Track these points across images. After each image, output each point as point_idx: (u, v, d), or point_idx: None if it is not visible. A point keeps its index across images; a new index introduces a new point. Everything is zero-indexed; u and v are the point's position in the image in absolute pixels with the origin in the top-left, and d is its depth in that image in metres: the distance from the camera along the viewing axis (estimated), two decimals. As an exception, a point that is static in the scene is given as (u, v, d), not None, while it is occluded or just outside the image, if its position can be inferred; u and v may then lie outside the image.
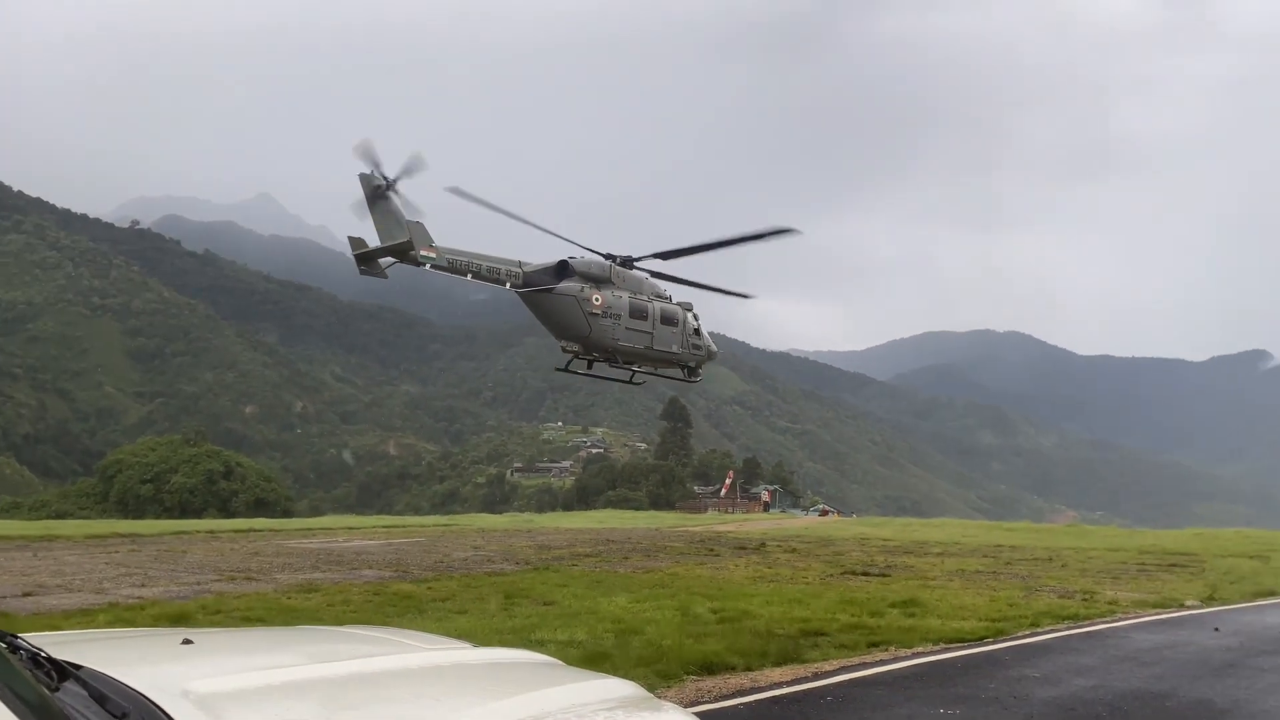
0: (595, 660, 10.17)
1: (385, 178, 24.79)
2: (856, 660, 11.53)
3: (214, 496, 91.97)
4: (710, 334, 31.21)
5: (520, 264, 27.02)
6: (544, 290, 27.22)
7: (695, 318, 30.25)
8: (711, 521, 58.60)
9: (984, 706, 9.22)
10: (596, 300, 27.67)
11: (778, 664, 11.06)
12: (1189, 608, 17.28)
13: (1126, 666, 11.27)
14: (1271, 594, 20.19)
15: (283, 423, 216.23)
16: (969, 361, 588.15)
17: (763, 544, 32.56)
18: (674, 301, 29.88)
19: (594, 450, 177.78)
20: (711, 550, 29.41)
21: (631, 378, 30.47)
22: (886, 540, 36.25)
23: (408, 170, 24.86)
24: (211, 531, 35.06)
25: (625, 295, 28.35)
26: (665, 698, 9.44)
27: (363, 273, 25.82)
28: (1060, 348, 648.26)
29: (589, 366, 29.71)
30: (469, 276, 26.14)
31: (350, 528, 39.94)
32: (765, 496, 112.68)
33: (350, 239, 25.59)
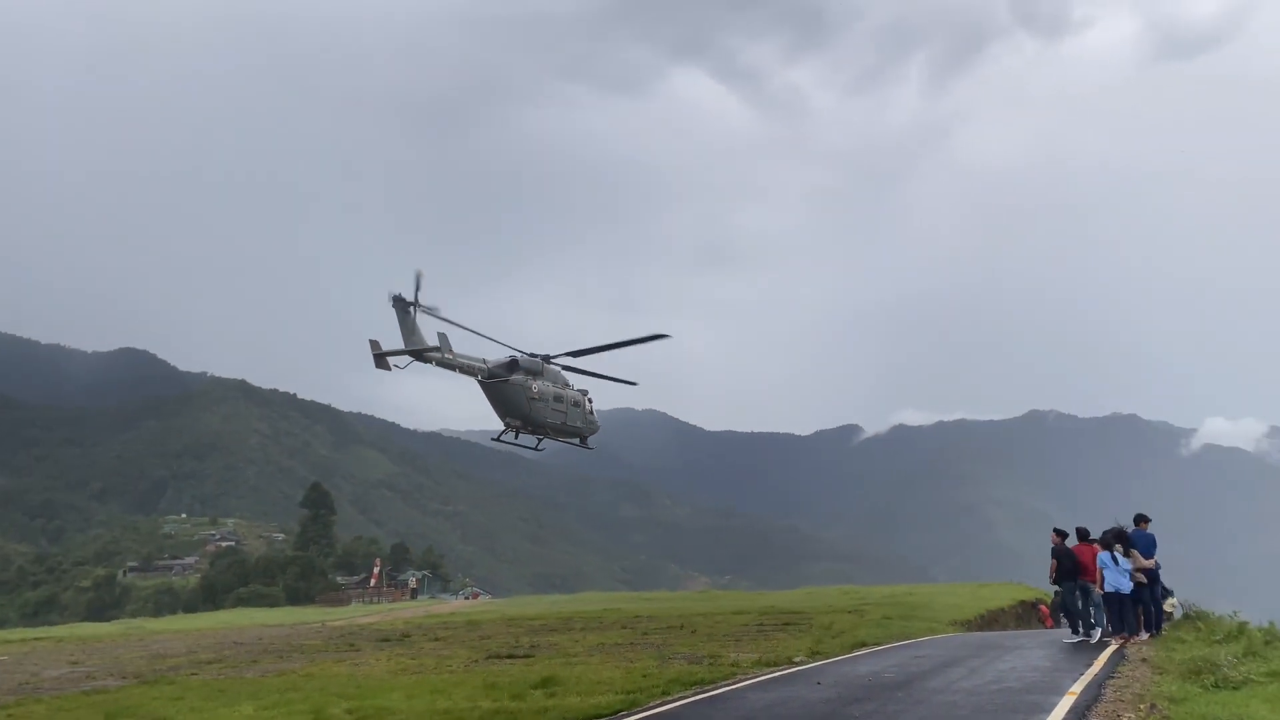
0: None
1: (416, 299, 32.21)
2: (496, 749, 11.47)
3: None
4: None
5: (484, 360, 35.23)
6: (501, 380, 35.28)
7: (590, 401, 38.96)
8: (355, 614, 55.87)
9: (615, 781, 9.54)
10: (535, 389, 36.10)
11: (415, 762, 10.74)
12: (797, 663, 19.08)
13: (743, 726, 12.17)
14: (864, 645, 22.84)
15: None
16: (613, 438, 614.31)
17: (406, 634, 31.57)
18: (575, 389, 38.20)
19: (225, 543, 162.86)
20: (352, 645, 28.05)
21: (538, 444, 38.59)
22: (533, 619, 36.59)
23: (433, 308, 32.56)
24: None
25: (550, 385, 36.86)
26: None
27: (377, 367, 33.15)
28: (691, 424, 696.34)
29: (515, 437, 37.00)
30: (456, 371, 33.71)
31: (-93, 652, 33.41)
32: (413, 583, 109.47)
33: (370, 341, 33.45)
